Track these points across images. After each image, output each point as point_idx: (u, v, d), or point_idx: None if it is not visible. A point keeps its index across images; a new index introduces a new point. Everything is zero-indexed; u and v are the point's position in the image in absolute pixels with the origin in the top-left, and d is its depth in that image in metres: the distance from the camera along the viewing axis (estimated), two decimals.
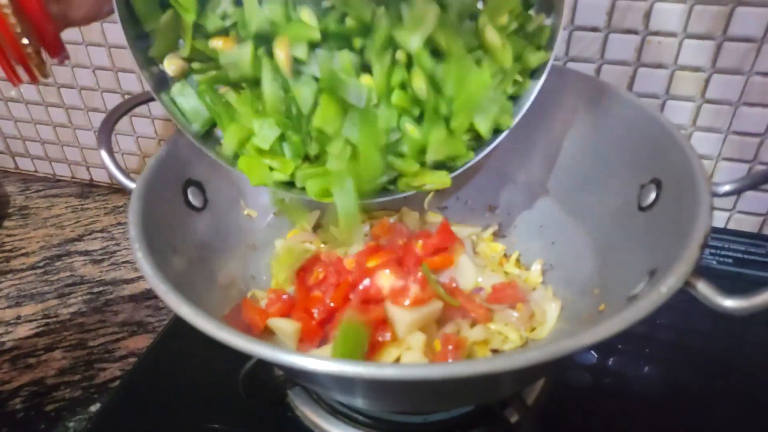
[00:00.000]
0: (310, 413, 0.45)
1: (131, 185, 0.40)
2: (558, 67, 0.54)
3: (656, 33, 0.54)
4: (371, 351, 0.41)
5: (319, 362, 0.27)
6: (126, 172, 0.42)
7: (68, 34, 0.69)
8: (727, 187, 0.39)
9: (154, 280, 0.32)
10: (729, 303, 0.31)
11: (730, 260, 0.59)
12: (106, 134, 0.42)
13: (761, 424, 0.45)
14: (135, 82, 0.70)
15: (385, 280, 0.45)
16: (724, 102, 0.55)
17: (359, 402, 0.41)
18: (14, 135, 0.81)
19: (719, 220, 0.64)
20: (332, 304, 0.44)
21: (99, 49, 0.68)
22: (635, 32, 0.54)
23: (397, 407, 0.43)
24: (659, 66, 0.55)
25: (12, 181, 0.84)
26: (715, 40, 0.52)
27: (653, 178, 0.41)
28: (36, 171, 0.85)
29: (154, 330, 0.59)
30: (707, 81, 0.55)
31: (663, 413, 0.46)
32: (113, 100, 0.73)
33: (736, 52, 0.52)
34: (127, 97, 0.71)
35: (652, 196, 0.41)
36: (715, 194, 0.36)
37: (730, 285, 0.31)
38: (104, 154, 0.42)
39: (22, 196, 0.81)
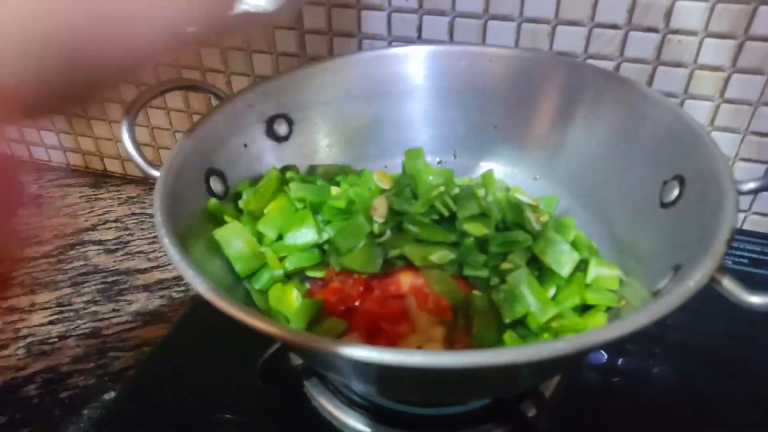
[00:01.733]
0: (326, 404, 0.45)
1: (155, 173, 0.40)
2: (578, 63, 0.55)
3: (676, 31, 0.53)
4: (391, 343, 0.41)
5: (349, 349, 0.27)
6: (149, 161, 0.42)
7: None
8: (750, 185, 0.38)
9: (181, 265, 0.32)
10: (755, 299, 0.31)
11: (746, 260, 0.59)
12: (129, 124, 0.42)
13: None
14: (149, 74, 0.70)
15: (406, 278, 0.45)
16: (744, 102, 0.55)
17: (377, 390, 0.41)
18: (28, 124, 0.81)
19: None
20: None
21: None
22: (655, 30, 0.54)
23: (416, 397, 0.43)
24: (678, 65, 0.55)
25: (26, 170, 0.84)
26: (737, 39, 0.52)
27: (676, 175, 0.41)
28: (50, 160, 0.85)
29: (168, 320, 0.59)
30: (727, 80, 0.55)
31: (673, 414, 0.46)
32: (128, 92, 0.73)
33: (757, 51, 0.52)
34: (142, 88, 0.71)
35: (675, 192, 0.41)
36: (738, 192, 0.36)
37: (746, 285, 0.32)
38: (129, 144, 0.42)
39: (35, 185, 0.81)
